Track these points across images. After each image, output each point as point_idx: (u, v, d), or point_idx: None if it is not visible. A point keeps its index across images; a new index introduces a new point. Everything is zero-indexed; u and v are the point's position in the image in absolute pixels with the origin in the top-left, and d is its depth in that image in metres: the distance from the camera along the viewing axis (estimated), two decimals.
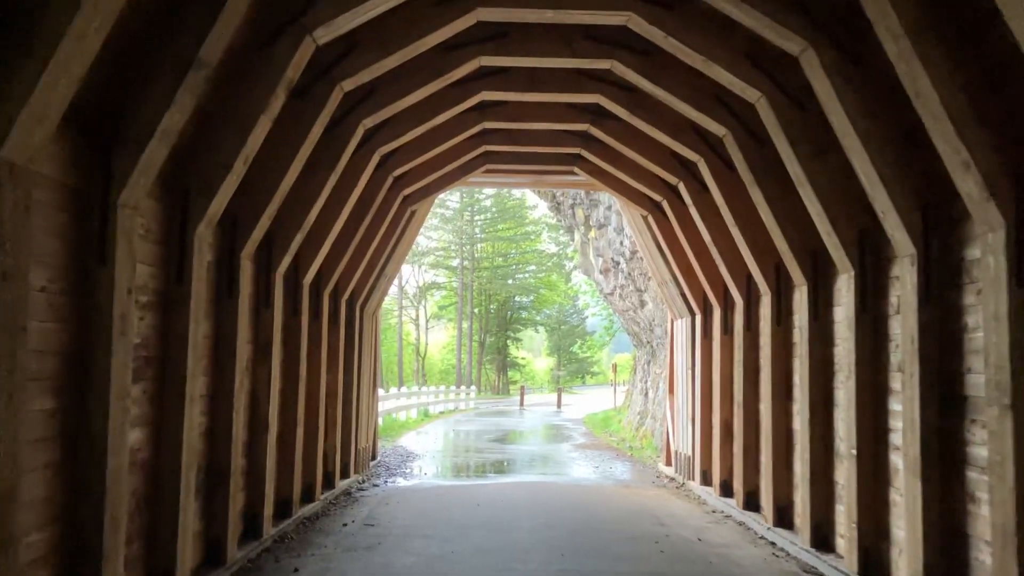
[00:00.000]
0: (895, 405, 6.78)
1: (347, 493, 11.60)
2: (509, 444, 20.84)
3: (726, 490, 11.33)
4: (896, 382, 6.76)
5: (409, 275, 64.29)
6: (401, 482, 13.14)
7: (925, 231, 6.08)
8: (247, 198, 7.23)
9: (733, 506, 10.64)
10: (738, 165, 8.72)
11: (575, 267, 59.12)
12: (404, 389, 31.04)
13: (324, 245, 9.49)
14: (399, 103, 8.59)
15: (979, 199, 5.06)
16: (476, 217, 65.42)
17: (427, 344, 67.94)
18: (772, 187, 8.45)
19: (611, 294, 21.16)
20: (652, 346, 20.65)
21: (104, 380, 4.85)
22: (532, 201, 71.78)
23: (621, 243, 17.74)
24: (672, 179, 10.79)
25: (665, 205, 11.74)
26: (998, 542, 4.96)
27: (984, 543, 5.42)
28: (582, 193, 19.60)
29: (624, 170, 11.60)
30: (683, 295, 13.23)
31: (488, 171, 12.95)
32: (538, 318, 74.24)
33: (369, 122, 8.66)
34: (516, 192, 65.85)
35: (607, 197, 18.04)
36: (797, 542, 8.37)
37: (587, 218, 20.36)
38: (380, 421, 22.28)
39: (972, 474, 5.63)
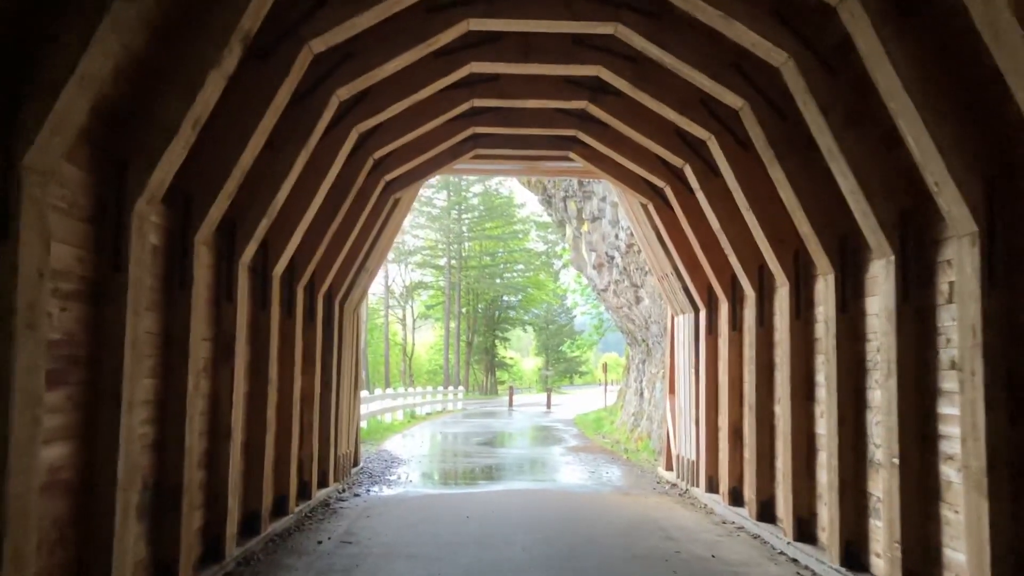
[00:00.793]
0: (946, 408, 5.91)
1: (325, 504, 10.66)
2: (499, 447, 19.94)
3: (736, 499, 10.46)
4: (948, 382, 5.89)
5: (396, 274, 63.33)
6: (384, 491, 12.21)
7: (990, 206, 5.21)
8: (201, 173, 6.30)
9: (745, 516, 9.76)
10: (756, 141, 7.84)
11: (564, 265, 58.31)
12: (390, 390, 30.09)
13: (296, 232, 8.56)
14: (378, 71, 7.67)
15: None
16: (463, 215, 64.46)
17: (414, 344, 66.92)
18: (795, 164, 7.59)
19: (605, 290, 20.30)
20: (647, 344, 19.79)
21: (5, 384, 3.91)
22: (520, 199, 71.03)
23: (616, 236, 16.87)
24: (677, 161, 9.91)
25: (668, 191, 10.86)
26: None
27: None
28: (574, 185, 18.72)
29: (624, 153, 10.72)
30: (685, 289, 12.35)
31: (477, 156, 12.04)
32: (526, 317, 73.35)
33: (344, 93, 7.73)
34: (504, 190, 65.05)
35: (601, 188, 17.17)
36: (824, 560, 7.50)
37: (580, 211, 19.48)
38: (364, 424, 21.34)
39: None
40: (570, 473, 14.93)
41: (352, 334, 13.03)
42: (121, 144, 5.20)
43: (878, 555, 6.84)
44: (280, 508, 9.23)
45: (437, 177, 65.48)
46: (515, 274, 67.88)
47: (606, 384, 41.29)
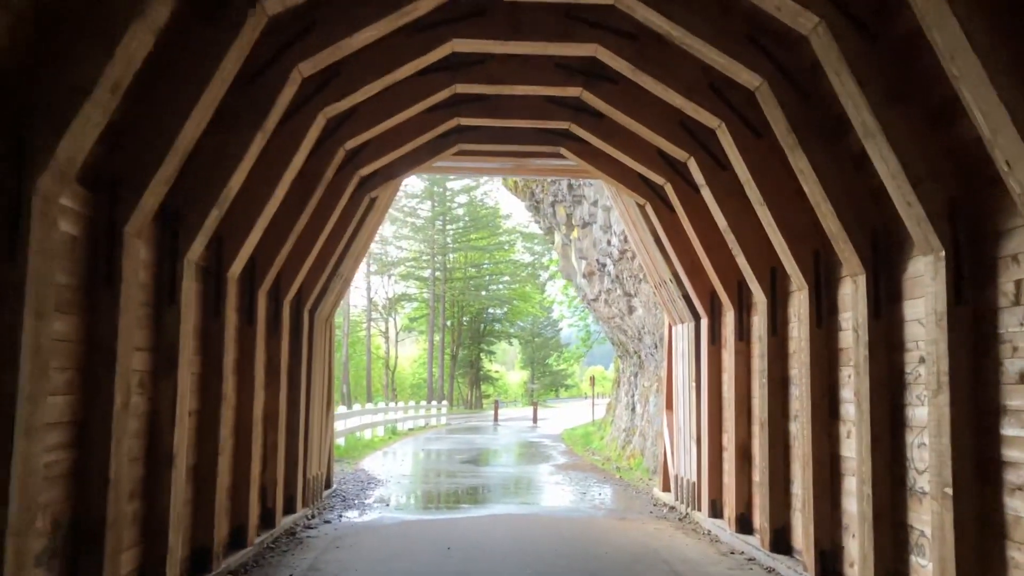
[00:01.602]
0: (1012, 429, 5.00)
1: (291, 533, 9.63)
2: (483, 466, 18.92)
3: (744, 526, 9.51)
4: (1015, 398, 4.98)
5: (378, 286, 62.24)
6: (358, 517, 11.18)
7: None
8: (131, 151, 5.33)
9: (756, 546, 8.82)
10: (775, 125, 6.94)
11: (551, 276, 57.40)
12: (369, 405, 29.02)
13: (255, 228, 7.58)
14: (345, 43, 6.72)
15: None
16: (448, 226, 63.51)
17: (397, 358, 65.76)
18: (821, 150, 6.69)
19: (595, 300, 19.38)
20: (640, 356, 18.87)
21: None
22: (506, 209, 70.21)
23: (608, 242, 15.96)
24: (680, 155, 9.00)
25: (668, 189, 9.95)
26: None
27: None
28: (564, 189, 17.82)
29: (621, 148, 9.80)
30: (685, 296, 11.44)
31: (462, 153, 11.11)
32: (512, 330, 72.39)
33: (307, 68, 6.78)
34: (490, 200, 64.17)
35: (592, 192, 16.27)
36: None
37: (569, 217, 18.57)
38: (341, 441, 20.31)
39: None
40: (560, 495, 13.95)
41: (324, 346, 12.03)
42: (20, 109, 4.23)
43: None
44: (237, 540, 8.22)
45: (421, 186, 64.26)
46: (501, 286, 66.96)
47: (594, 398, 40.41)
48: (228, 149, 6.48)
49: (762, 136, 7.75)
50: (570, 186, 17.29)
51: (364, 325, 60.19)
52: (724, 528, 9.91)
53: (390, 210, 62.58)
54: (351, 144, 8.95)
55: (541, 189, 19.18)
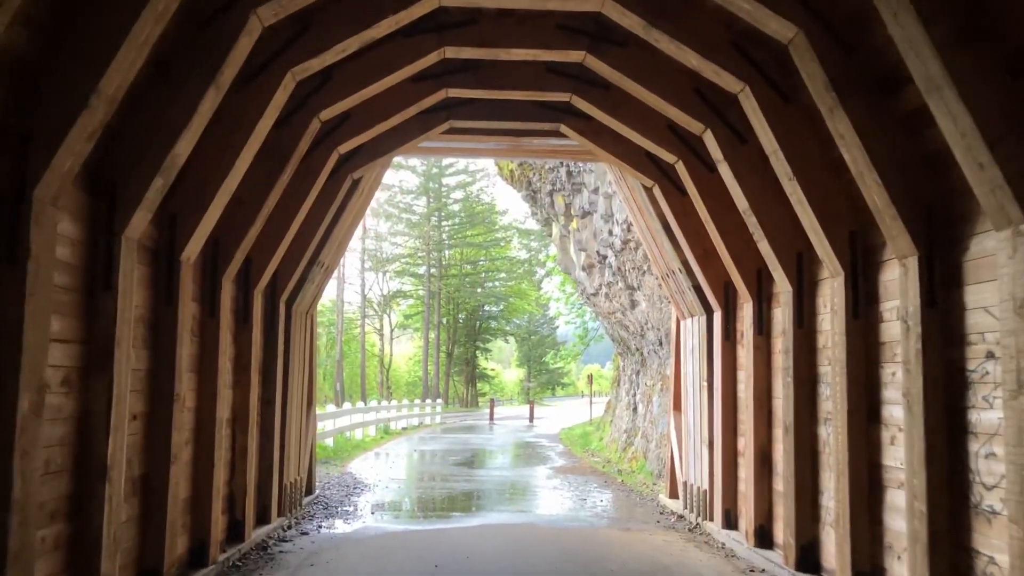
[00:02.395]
0: None
1: (262, 548, 8.69)
2: (478, 468, 17.99)
3: (763, 539, 8.60)
4: None
5: (373, 283, 61.28)
6: (340, 527, 10.24)
7: None
8: (45, 99, 4.38)
9: (779, 564, 7.89)
10: (810, 82, 6.00)
11: (548, 273, 56.46)
12: (360, 404, 28.09)
13: (213, 203, 6.63)
14: None
15: None
16: (444, 222, 62.56)
17: (392, 355, 64.81)
18: (867, 111, 5.76)
19: (595, 294, 18.45)
20: (642, 354, 17.95)
21: None
22: (503, 205, 69.17)
23: (610, 232, 15.02)
24: (695, 127, 8.07)
25: (680, 168, 9.01)
26: None
27: None
28: (562, 177, 16.87)
29: (628, 121, 8.86)
30: (696, 287, 10.52)
31: (452, 131, 10.17)
32: (508, 328, 71.48)
33: (268, 15, 5.85)
34: (486, 196, 63.19)
35: (592, 179, 15.33)
36: None
37: (568, 207, 17.62)
38: (330, 442, 19.39)
39: None
40: (558, 501, 13.02)
41: (303, 341, 11.08)
42: None
43: None
44: (197, 558, 7.28)
45: (416, 181, 63.47)
46: (497, 283, 66.04)
47: (591, 396, 39.55)
48: (173, 106, 5.53)
49: (791, 101, 6.83)
50: (569, 173, 16.36)
51: (358, 322, 59.23)
52: (741, 541, 8.99)
53: (385, 205, 61.85)
54: (327, 114, 8.00)
55: (539, 177, 18.24)
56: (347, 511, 11.33)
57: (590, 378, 41.75)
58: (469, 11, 7.48)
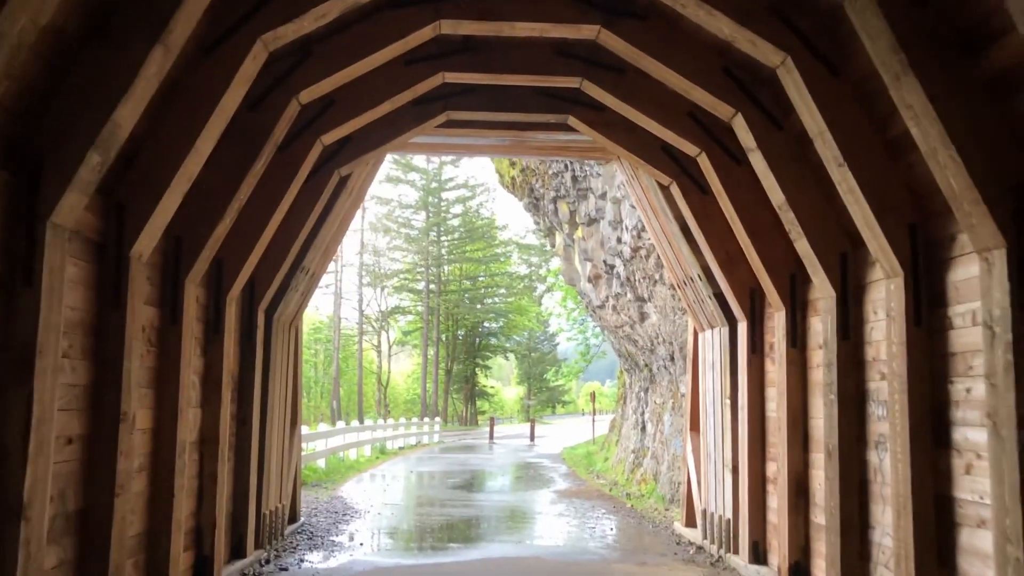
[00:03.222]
0: None
1: None
2: (477, 492, 16.96)
3: None
4: None
5: (371, 298, 60.32)
6: (323, 562, 9.24)
7: None
8: None
9: None
10: (872, 45, 5.06)
11: (548, 288, 55.52)
12: (355, 423, 27.06)
13: (169, 192, 5.68)
14: None
15: None
16: (443, 237, 61.71)
17: (390, 373, 63.75)
18: (943, 75, 4.82)
19: (601, 307, 17.49)
20: (651, 370, 16.97)
21: None
22: (502, 220, 68.40)
23: (618, 239, 14.09)
24: (724, 111, 7.15)
25: (702, 162, 8.09)
26: None
27: None
28: (567, 182, 15.96)
29: (645, 108, 7.95)
30: (718, 296, 9.57)
31: (450, 124, 9.29)
32: (508, 345, 70.48)
33: None
34: (485, 212, 62.37)
35: (600, 183, 14.42)
36: None
37: (573, 214, 16.71)
38: (322, 463, 18.39)
39: None
40: (565, 529, 12.00)
41: (286, 354, 10.11)
42: None
43: None
44: None
45: (415, 196, 62.79)
46: (497, 299, 65.12)
47: (594, 414, 38.54)
48: (112, 66, 4.60)
49: (840, 74, 5.91)
50: (574, 178, 15.44)
51: (356, 339, 58.22)
52: None
53: (383, 220, 60.99)
54: (307, 96, 7.08)
55: (541, 184, 17.33)
56: (333, 542, 10.32)
57: (592, 396, 40.72)
58: None
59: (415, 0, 6.74)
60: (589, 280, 17.27)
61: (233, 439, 8.48)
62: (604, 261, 15.53)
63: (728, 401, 9.52)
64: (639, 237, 13.02)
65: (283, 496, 10.16)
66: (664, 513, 13.26)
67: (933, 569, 5.57)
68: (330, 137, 8.00)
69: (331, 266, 54.97)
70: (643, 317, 15.03)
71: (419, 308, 61.48)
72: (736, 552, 9.13)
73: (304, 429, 19.53)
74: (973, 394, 5.24)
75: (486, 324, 66.25)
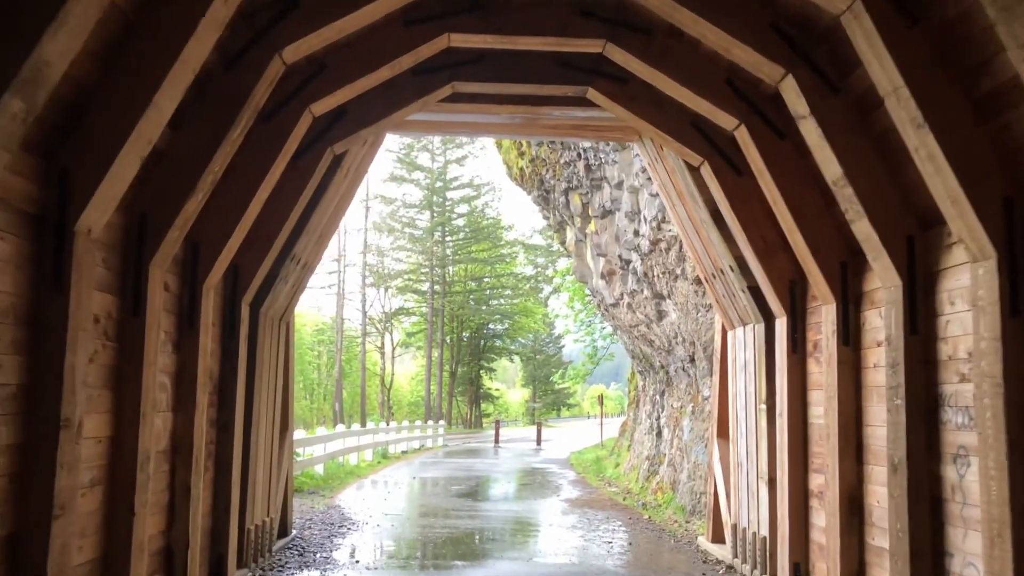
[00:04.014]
0: None
1: None
2: (483, 501, 16.03)
3: None
4: None
5: (374, 299, 59.45)
6: None
7: None
8: None
9: None
10: None
11: (555, 290, 54.53)
12: (356, 426, 26.19)
13: (122, 155, 4.77)
14: None
15: None
16: (448, 237, 60.81)
17: (394, 375, 62.84)
18: None
19: (615, 305, 16.55)
20: (668, 372, 16.03)
21: None
22: (508, 220, 67.49)
23: (636, 232, 13.16)
24: (772, 72, 6.21)
25: (741, 135, 7.17)
26: None
27: None
28: (580, 171, 15.03)
29: (677, 75, 7.04)
30: (752, 288, 8.64)
31: (456, 98, 8.41)
32: (513, 347, 69.53)
33: None
34: (490, 212, 61.46)
35: (616, 173, 13.49)
36: None
37: (585, 207, 15.78)
38: (320, 469, 17.48)
39: None
40: (578, 543, 11.06)
41: (276, 352, 9.21)
42: None
43: None
44: None
45: (420, 195, 62.00)
46: (502, 300, 64.20)
47: (601, 418, 37.65)
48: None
49: (920, 22, 4.98)
50: (588, 167, 14.52)
51: (359, 340, 57.34)
52: None
53: (387, 219, 60.16)
54: (293, 55, 6.17)
55: (552, 174, 16.41)
56: (326, 559, 9.40)
57: (600, 398, 39.88)
58: None
59: None
60: (602, 277, 16.35)
61: (213, 447, 7.60)
62: (619, 256, 14.61)
63: (763, 406, 8.59)
64: (659, 229, 12.10)
65: (271, 508, 9.25)
66: (685, 526, 12.32)
67: None
68: (321, 107, 7.09)
69: (334, 265, 54.16)
70: (661, 315, 14.09)
71: (423, 309, 60.59)
72: (774, 573, 8.21)
73: (300, 433, 18.65)
74: None
75: (491, 326, 65.33)
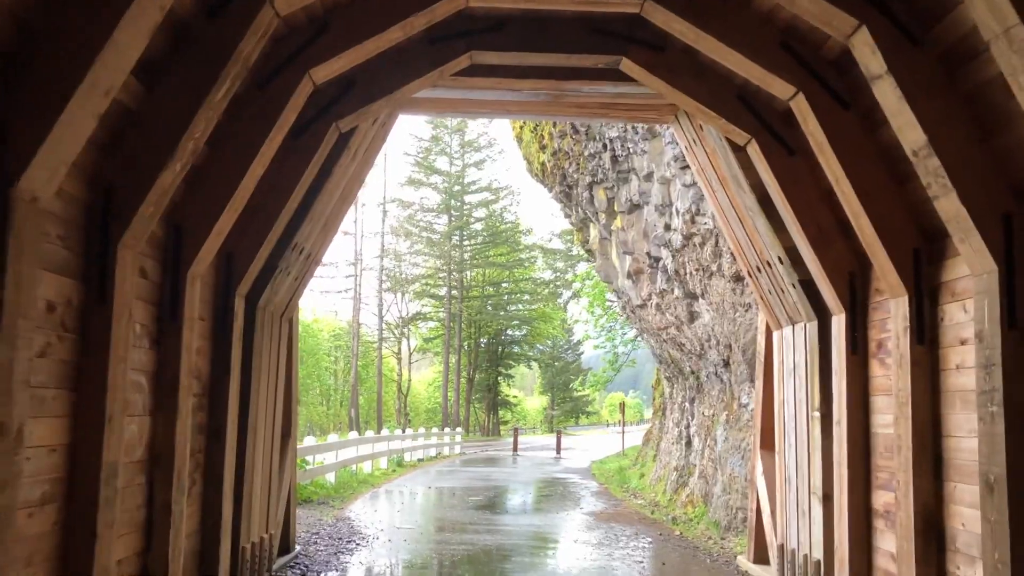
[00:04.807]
0: None
1: None
2: (502, 513, 15.16)
3: None
4: None
5: (391, 303, 58.77)
6: None
7: None
8: None
9: None
10: None
11: (574, 295, 53.59)
12: (369, 433, 25.42)
13: (71, 111, 3.96)
14: None
15: None
16: (465, 242, 60.08)
17: (411, 381, 62.09)
18: None
19: (642, 306, 15.66)
20: (699, 377, 15.12)
21: None
22: (526, 225, 66.77)
23: (667, 226, 12.28)
24: (842, 25, 5.34)
25: (799, 104, 6.30)
26: None
27: None
28: (606, 163, 14.16)
29: (726, 35, 6.19)
30: (805, 282, 7.75)
31: (474, 71, 7.60)
32: (531, 353, 68.64)
33: None
34: (508, 216, 60.59)
35: (646, 163, 12.61)
36: None
37: (611, 202, 14.92)
38: (331, 478, 16.69)
39: None
40: (605, 563, 10.16)
41: (275, 351, 8.41)
42: None
43: None
44: None
45: (437, 199, 61.47)
46: (520, 306, 63.35)
47: (623, 426, 36.69)
48: None
49: None
50: (614, 159, 13.66)
51: (376, 345, 56.64)
52: None
53: (405, 223, 59.58)
54: (287, 6, 5.37)
55: (576, 168, 15.56)
56: None
57: (622, 406, 38.93)
58: None
59: None
60: (628, 276, 15.46)
61: (201, 456, 6.80)
62: (648, 253, 13.73)
63: (817, 414, 7.69)
64: (692, 222, 11.22)
65: (271, 524, 8.43)
66: (720, 543, 11.40)
67: None
68: (323, 72, 6.28)
69: (350, 269, 53.55)
70: (693, 317, 13.19)
71: (441, 314, 59.86)
72: None
73: (311, 440, 17.87)
74: None
75: (509, 331, 64.52)
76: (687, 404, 15.97)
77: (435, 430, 36.73)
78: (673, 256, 12.49)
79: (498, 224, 60.07)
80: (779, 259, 7.97)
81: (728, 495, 12.18)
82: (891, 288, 6.34)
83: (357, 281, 51.87)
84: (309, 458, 16.75)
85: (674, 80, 7.17)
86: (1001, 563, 4.93)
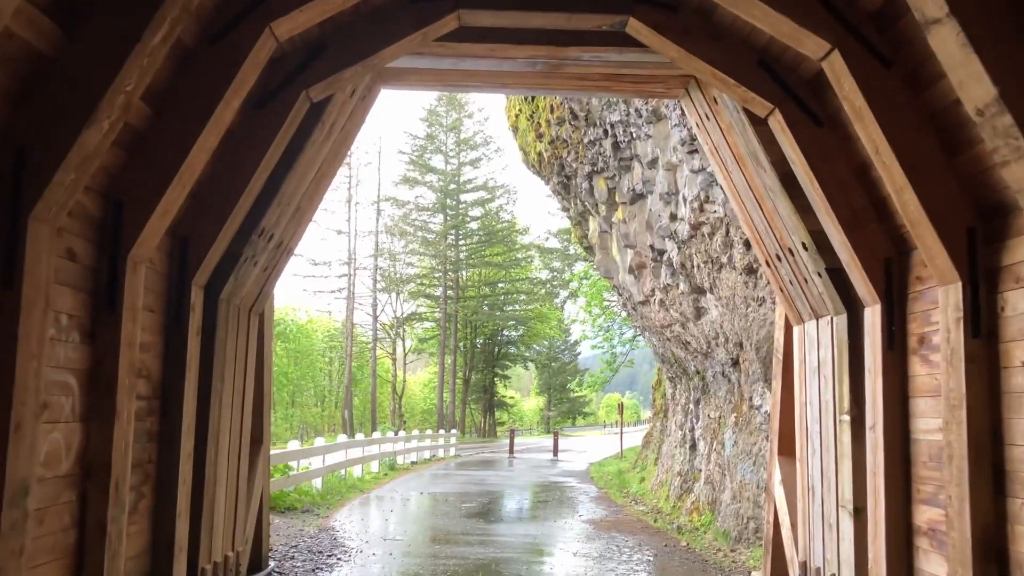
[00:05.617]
0: None
1: None
2: (496, 522, 14.32)
3: None
4: None
5: (386, 303, 57.92)
6: None
7: None
8: None
9: None
10: None
11: (571, 294, 52.78)
12: (360, 436, 24.62)
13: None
14: None
15: None
16: (461, 241, 59.24)
17: (406, 381, 61.21)
18: None
19: (644, 303, 14.85)
20: (704, 377, 14.31)
21: None
22: (523, 224, 66.04)
23: (673, 216, 11.47)
24: None
25: (834, 64, 5.49)
26: None
27: None
28: (607, 150, 13.34)
29: None
30: (833, 271, 6.94)
31: (463, 35, 6.81)
32: (528, 354, 67.80)
33: None
34: (505, 215, 59.73)
35: (650, 148, 11.79)
36: None
37: (612, 192, 14.11)
38: (318, 483, 15.85)
39: None
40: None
41: (243, 349, 7.57)
42: None
43: None
44: None
45: (432, 197, 60.78)
46: (517, 306, 62.53)
47: (622, 427, 35.94)
48: None
49: None
50: (616, 146, 12.85)
51: (370, 346, 55.78)
52: None
53: (399, 223, 58.82)
54: None
55: (574, 157, 14.75)
56: None
57: (620, 407, 38.13)
58: None
59: None
60: (630, 271, 14.65)
61: (151, 467, 5.97)
62: (651, 246, 12.91)
63: (847, 417, 6.88)
64: (701, 210, 10.41)
65: (237, 540, 7.60)
66: (730, 555, 10.59)
67: None
68: (286, 25, 5.45)
69: (344, 268, 52.68)
70: (699, 313, 12.38)
71: (436, 314, 59.02)
72: None
73: (295, 444, 17.05)
74: None
75: (505, 332, 63.69)
76: (691, 405, 15.16)
77: (429, 432, 35.92)
78: (679, 248, 11.67)
79: (494, 223, 59.27)
80: (803, 245, 7.16)
81: (738, 503, 11.37)
82: (940, 274, 5.52)
83: (351, 281, 51.08)
84: (294, 463, 15.92)
85: (687, 43, 6.38)
86: None
